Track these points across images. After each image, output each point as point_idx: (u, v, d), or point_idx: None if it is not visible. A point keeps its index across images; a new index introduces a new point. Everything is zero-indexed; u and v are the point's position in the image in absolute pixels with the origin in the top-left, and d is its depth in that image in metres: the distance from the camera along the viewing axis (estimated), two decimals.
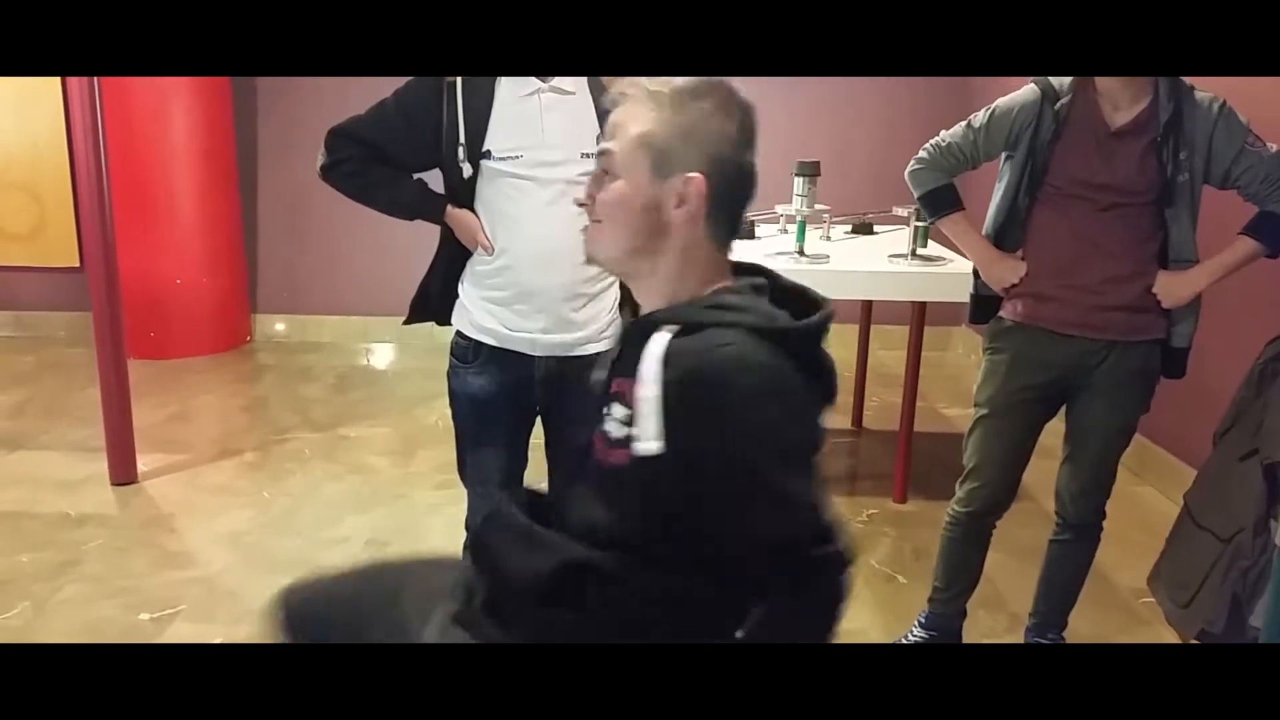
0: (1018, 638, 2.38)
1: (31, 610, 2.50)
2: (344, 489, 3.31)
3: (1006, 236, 2.05)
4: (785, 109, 4.90)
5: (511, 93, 1.83)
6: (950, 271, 3.00)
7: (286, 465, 3.51)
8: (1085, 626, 2.41)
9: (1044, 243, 2.01)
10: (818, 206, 3.10)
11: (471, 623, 1.21)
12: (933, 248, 3.21)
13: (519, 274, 1.87)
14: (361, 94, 2.01)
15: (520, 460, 2.01)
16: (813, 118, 4.95)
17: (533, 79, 1.81)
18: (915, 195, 2.16)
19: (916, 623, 2.33)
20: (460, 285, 1.99)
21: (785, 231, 3.54)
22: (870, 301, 3.84)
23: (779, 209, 3.40)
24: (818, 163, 3.02)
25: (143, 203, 4.56)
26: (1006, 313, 2.07)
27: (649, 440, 1.07)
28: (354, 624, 1.32)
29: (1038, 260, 2.02)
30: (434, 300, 2.02)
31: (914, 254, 3.11)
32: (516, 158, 1.82)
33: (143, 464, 3.36)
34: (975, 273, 2.13)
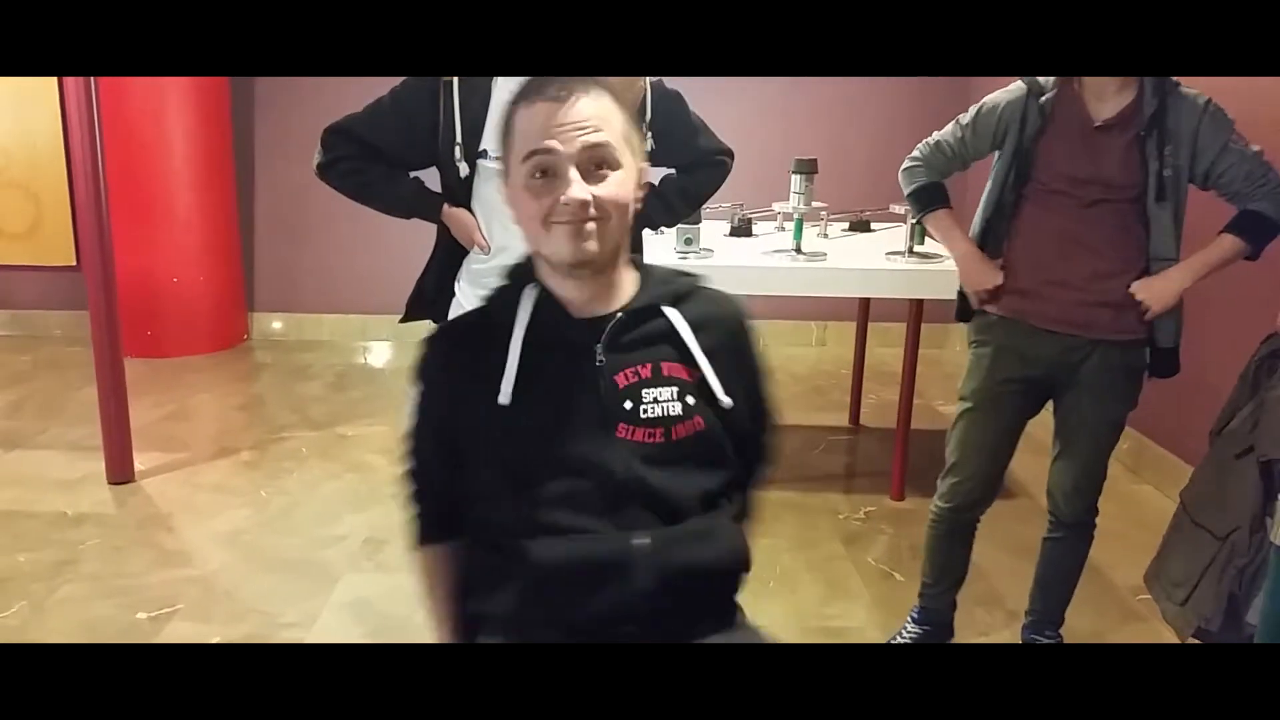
0: (1015, 635, 2.38)
1: (29, 610, 2.50)
2: (342, 487, 3.31)
3: (993, 233, 2.06)
4: (783, 107, 4.91)
5: (508, 92, 1.82)
6: (947, 269, 3.00)
7: (284, 464, 3.50)
8: (1082, 624, 2.42)
9: (1029, 239, 2.01)
10: (815, 204, 3.10)
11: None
12: (930, 245, 3.21)
13: None
14: (359, 93, 2.01)
15: None
16: (810, 116, 4.95)
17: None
18: (904, 193, 2.16)
19: (909, 618, 2.34)
20: (457, 283, 1.99)
21: (782, 229, 3.54)
22: (867, 299, 3.84)
23: (776, 206, 3.41)
24: (815, 160, 3.02)
25: (140, 201, 4.56)
26: (991, 307, 2.08)
27: (723, 395, 1.24)
28: None
29: (1022, 256, 2.02)
30: (430, 298, 2.02)
31: (911, 251, 3.12)
32: None
33: (140, 463, 3.36)
34: None
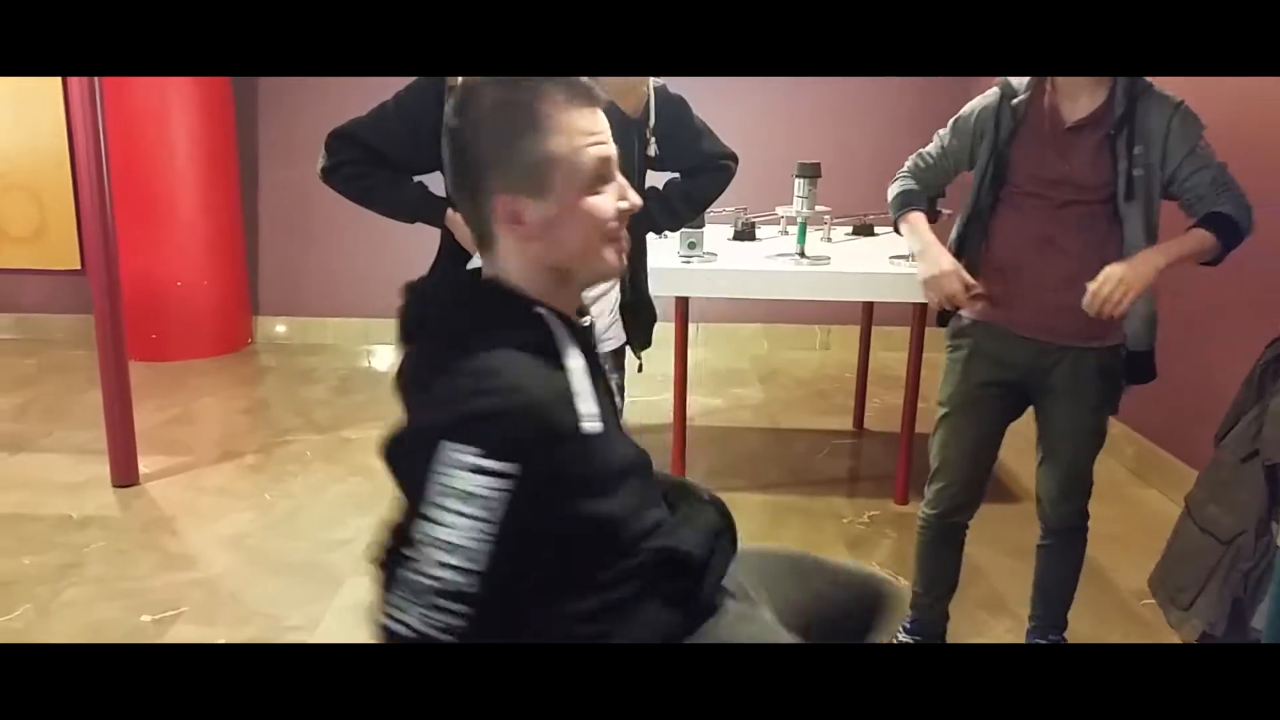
0: (1019, 638, 2.37)
1: (34, 612, 2.50)
2: (346, 491, 3.31)
3: (969, 238, 2.05)
4: (786, 110, 4.91)
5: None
6: None
7: (288, 467, 3.51)
8: (1086, 628, 2.41)
9: (1003, 242, 2.00)
10: (819, 208, 3.10)
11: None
12: None
13: None
14: (363, 95, 2.01)
15: None
16: (814, 119, 4.95)
17: None
18: (888, 202, 2.16)
19: (901, 628, 2.33)
20: None
21: (786, 233, 3.54)
22: (871, 303, 3.84)
23: (780, 210, 3.41)
24: (818, 164, 3.02)
25: (144, 205, 4.57)
26: (966, 311, 2.07)
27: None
28: None
29: (997, 259, 2.01)
30: None
31: (914, 255, 3.11)
32: None
33: (144, 466, 3.37)
34: None
